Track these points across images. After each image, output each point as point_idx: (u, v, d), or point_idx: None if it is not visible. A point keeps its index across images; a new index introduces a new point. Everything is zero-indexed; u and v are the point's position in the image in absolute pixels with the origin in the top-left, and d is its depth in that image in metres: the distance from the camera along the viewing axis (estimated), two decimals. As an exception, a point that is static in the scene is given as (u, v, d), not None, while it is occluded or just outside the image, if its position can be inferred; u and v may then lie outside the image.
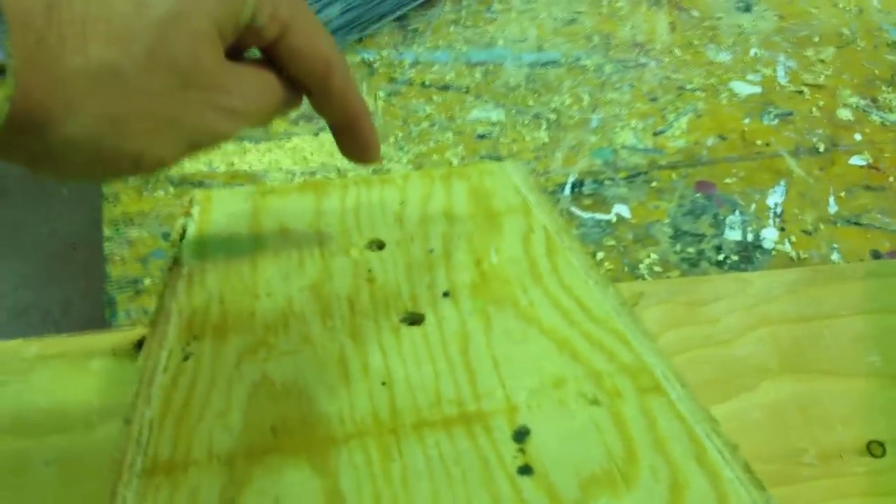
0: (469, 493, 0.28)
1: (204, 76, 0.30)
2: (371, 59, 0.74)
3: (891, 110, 0.71)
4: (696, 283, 0.56)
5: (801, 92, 0.73)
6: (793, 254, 0.62)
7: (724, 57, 0.76)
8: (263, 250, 0.40)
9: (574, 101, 0.72)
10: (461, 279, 0.38)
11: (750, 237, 0.63)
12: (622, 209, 0.64)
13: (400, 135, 0.69)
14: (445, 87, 0.72)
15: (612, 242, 0.62)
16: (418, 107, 0.71)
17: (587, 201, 0.65)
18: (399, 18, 0.77)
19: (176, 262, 0.39)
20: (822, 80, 0.74)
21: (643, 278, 0.60)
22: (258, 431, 0.30)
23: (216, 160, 0.66)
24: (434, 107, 0.71)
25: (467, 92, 0.72)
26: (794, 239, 0.63)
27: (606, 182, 0.66)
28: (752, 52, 0.76)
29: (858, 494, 0.46)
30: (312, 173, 0.65)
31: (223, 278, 0.38)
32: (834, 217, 0.64)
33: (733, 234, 0.63)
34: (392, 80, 0.73)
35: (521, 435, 0.30)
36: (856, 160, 0.68)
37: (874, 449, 0.48)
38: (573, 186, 0.66)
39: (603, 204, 0.65)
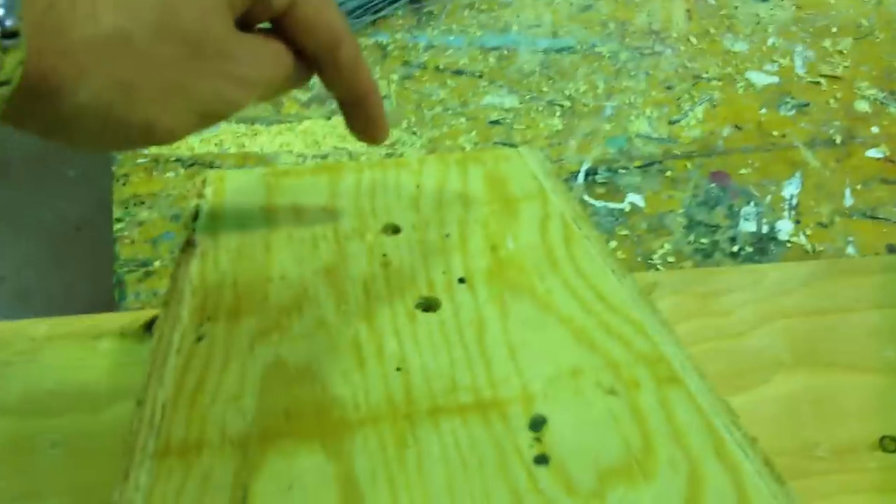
0: (485, 481, 0.28)
1: (213, 45, 0.30)
2: (385, 42, 0.74)
3: (909, 103, 0.71)
4: (709, 274, 0.55)
5: (818, 83, 0.72)
6: (808, 246, 0.61)
7: (741, 46, 0.75)
8: (277, 232, 0.40)
9: (589, 89, 0.71)
10: (477, 265, 0.37)
11: (765, 229, 0.62)
12: (636, 198, 0.64)
13: (413, 119, 0.68)
14: (459, 72, 0.72)
15: (625, 232, 0.62)
16: (432, 91, 0.70)
17: (600, 190, 0.64)
18: (413, 1, 0.76)
19: (189, 242, 0.39)
20: (839, 71, 0.73)
21: (656, 269, 0.60)
22: (272, 415, 0.30)
23: (227, 141, 0.66)
24: (447, 91, 0.70)
25: (481, 77, 0.72)
26: (809, 231, 0.62)
27: (620, 171, 0.65)
28: (770, 41, 0.75)
29: (870, 489, 0.46)
30: (324, 157, 0.65)
31: (236, 260, 0.38)
32: (850, 210, 0.64)
33: (748, 226, 0.62)
34: (406, 63, 0.72)
35: (537, 424, 0.30)
36: (872, 153, 0.67)
37: (887, 444, 0.47)
38: (586, 175, 0.65)
39: (616, 193, 0.64)
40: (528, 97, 0.70)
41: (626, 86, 0.71)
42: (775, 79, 0.72)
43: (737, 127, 0.69)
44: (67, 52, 0.26)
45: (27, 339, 0.47)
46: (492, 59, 0.73)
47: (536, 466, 0.28)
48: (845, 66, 0.73)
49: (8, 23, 0.24)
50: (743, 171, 0.66)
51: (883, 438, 0.47)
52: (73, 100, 0.27)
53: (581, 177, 0.65)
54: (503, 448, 0.29)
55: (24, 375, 0.45)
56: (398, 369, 0.32)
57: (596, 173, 0.65)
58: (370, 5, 0.73)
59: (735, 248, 0.61)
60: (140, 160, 0.64)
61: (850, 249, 0.61)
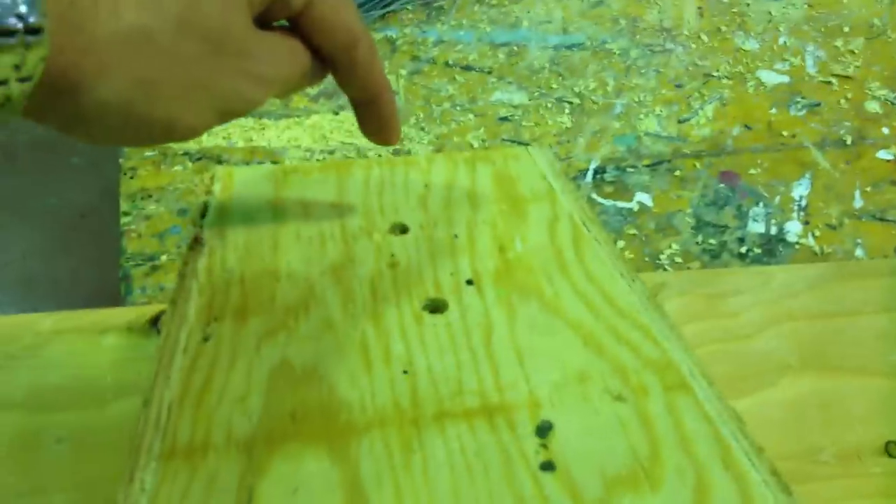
0: (490, 487, 0.28)
1: (233, 42, 0.30)
2: (394, 37, 0.73)
3: (921, 104, 0.70)
4: (717, 275, 0.55)
5: (829, 83, 0.72)
6: (816, 248, 0.61)
7: (752, 45, 0.74)
8: (285, 231, 0.39)
9: (598, 86, 0.71)
10: (485, 267, 0.37)
11: (773, 230, 0.62)
12: (644, 197, 0.64)
13: (421, 115, 0.68)
14: (468, 68, 0.71)
15: (633, 231, 0.62)
16: (441, 86, 0.70)
17: (609, 188, 0.64)
18: (422, -5, 0.76)
19: (196, 239, 0.39)
20: (850, 71, 0.72)
21: (664, 269, 0.59)
22: (278, 417, 0.30)
23: (235, 135, 0.66)
24: (456, 87, 0.70)
25: (490, 73, 0.71)
26: (818, 233, 0.62)
27: (629, 169, 0.65)
28: (781, 40, 0.75)
29: (875, 495, 0.46)
30: (331, 152, 0.65)
31: (244, 258, 0.37)
32: (859, 212, 0.63)
33: (756, 227, 0.62)
34: (415, 58, 0.72)
35: (543, 430, 0.30)
36: (883, 154, 0.67)
37: (892, 449, 0.47)
38: (595, 173, 0.65)
39: (625, 191, 0.64)
40: (537, 94, 0.70)
41: (636, 83, 0.71)
42: (786, 78, 0.72)
43: (746, 126, 0.68)
44: (89, 48, 0.26)
45: (33, 334, 0.47)
46: (501, 55, 0.73)
47: (542, 473, 0.28)
48: (857, 66, 0.73)
49: (31, 19, 0.24)
50: (752, 171, 0.65)
51: (889, 443, 0.47)
52: (93, 96, 0.27)
53: (589, 175, 0.65)
54: (509, 454, 0.29)
55: (30, 370, 0.45)
56: (405, 372, 0.32)
57: (604, 171, 0.65)
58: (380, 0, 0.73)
59: (743, 249, 0.61)
60: (148, 153, 0.64)
61: (858, 252, 0.61)
